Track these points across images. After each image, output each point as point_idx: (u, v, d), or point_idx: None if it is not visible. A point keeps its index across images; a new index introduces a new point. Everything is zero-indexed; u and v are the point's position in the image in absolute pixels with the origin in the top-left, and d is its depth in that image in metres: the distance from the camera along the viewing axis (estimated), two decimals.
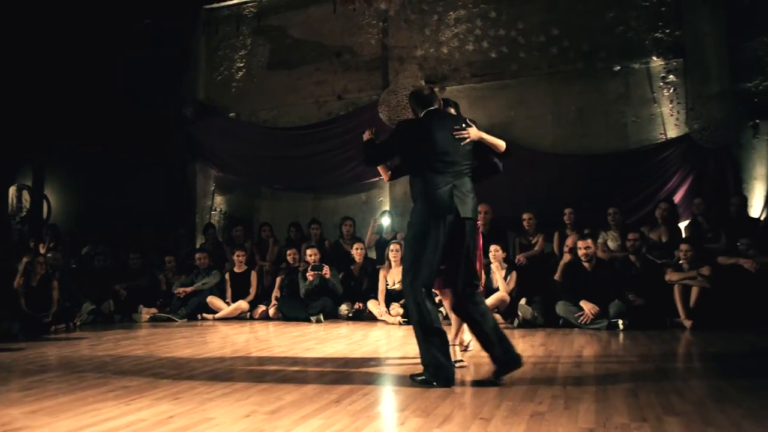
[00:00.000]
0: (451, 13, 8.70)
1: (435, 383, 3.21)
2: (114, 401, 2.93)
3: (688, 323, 5.67)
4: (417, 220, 3.48)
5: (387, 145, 3.68)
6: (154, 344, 5.13)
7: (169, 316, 7.29)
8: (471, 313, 3.48)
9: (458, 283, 3.51)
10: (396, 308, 6.60)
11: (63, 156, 10.03)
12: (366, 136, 3.80)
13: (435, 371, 3.25)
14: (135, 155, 9.49)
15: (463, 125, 3.58)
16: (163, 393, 3.10)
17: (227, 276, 7.81)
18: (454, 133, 3.53)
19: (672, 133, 7.64)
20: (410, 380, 3.35)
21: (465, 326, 3.93)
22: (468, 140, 3.55)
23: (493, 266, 6.53)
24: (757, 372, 3.59)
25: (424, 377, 3.29)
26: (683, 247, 5.98)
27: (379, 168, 3.99)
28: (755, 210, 7.12)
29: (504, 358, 3.33)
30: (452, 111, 3.92)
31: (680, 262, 5.99)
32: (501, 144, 3.76)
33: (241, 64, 9.93)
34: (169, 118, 9.59)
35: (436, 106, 3.66)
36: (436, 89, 8.68)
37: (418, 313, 3.33)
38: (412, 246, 3.46)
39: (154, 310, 7.48)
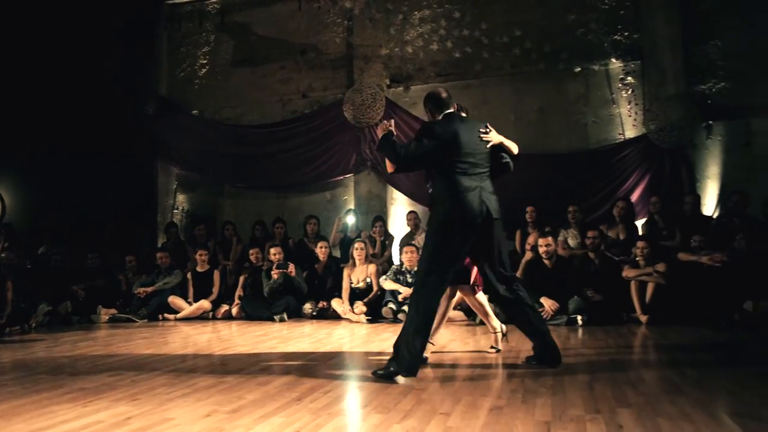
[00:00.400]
0: (416, 12, 8.76)
1: (398, 371, 3.32)
2: (70, 403, 2.88)
3: (643, 318, 5.83)
4: (441, 219, 3.58)
5: (421, 146, 3.59)
6: (114, 345, 5.04)
7: (129, 316, 7.16)
8: (516, 310, 3.72)
9: (493, 283, 3.67)
10: (360, 306, 6.61)
11: (18, 153, 9.74)
12: (381, 130, 3.76)
13: (405, 360, 3.35)
14: (94, 152, 9.26)
15: (486, 128, 3.72)
16: (121, 394, 3.06)
17: (189, 275, 7.71)
18: (481, 135, 3.66)
19: (630, 133, 7.84)
20: (372, 376, 3.41)
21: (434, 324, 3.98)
22: (491, 143, 3.70)
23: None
24: (706, 364, 3.71)
25: (384, 372, 3.37)
26: (640, 244, 6.15)
27: (388, 160, 3.85)
28: (708, 208, 7.36)
29: (542, 352, 3.65)
30: (464, 115, 4.01)
31: (637, 259, 6.15)
32: (515, 147, 3.90)
33: (205, 61, 9.82)
34: (129, 115, 9.41)
35: (452, 110, 3.76)
36: (400, 88, 8.75)
37: (417, 309, 3.47)
38: (434, 245, 3.54)
39: (113, 311, 7.34)
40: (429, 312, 3.51)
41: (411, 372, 3.35)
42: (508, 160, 3.88)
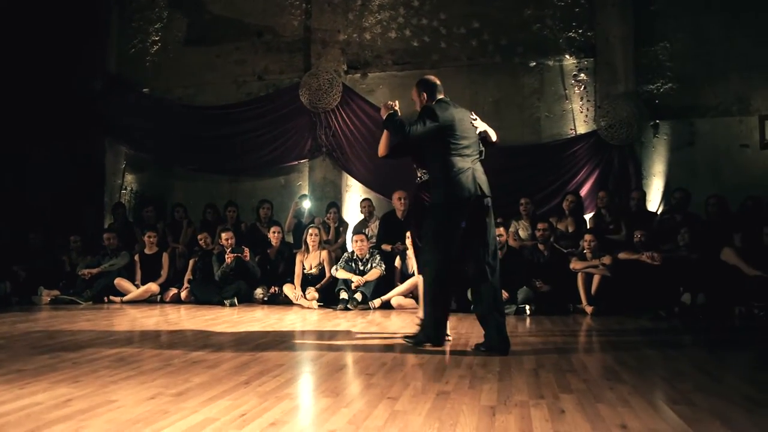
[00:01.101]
0: None
1: (426, 341, 3.86)
2: (6, 385, 2.77)
3: (589, 309, 6.00)
4: (441, 201, 3.81)
5: (426, 127, 3.76)
6: (55, 327, 4.88)
7: (73, 298, 6.95)
8: (482, 291, 3.84)
9: (477, 260, 3.80)
10: (312, 292, 6.60)
11: None
12: (386, 109, 3.95)
13: (429, 330, 3.87)
14: (37, 127, 8.89)
15: (474, 116, 4.00)
16: (62, 376, 2.97)
17: (137, 257, 7.52)
18: (472, 121, 3.94)
19: (581, 129, 8.02)
20: (404, 340, 3.98)
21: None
22: (478, 130, 3.96)
23: (409, 252, 6.64)
24: (645, 354, 3.85)
25: (414, 340, 3.91)
26: (587, 237, 6.32)
27: (383, 140, 4.10)
28: (653, 204, 7.62)
29: (493, 340, 3.77)
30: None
31: (584, 251, 6.32)
32: (494, 135, 4.13)
33: (157, 38, 9.53)
34: (76, 91, 9.06)
35: (443, 96, 3.99)
36: (357, 75, 8.71)
37: (431, 287, 3.83)
38: (436, 224, 3.81)
39: (56, 292, 7.10)
40: (438, 284, 3.83)
41: (437, 341, 3.85)
42: (482, 148, 4.07)
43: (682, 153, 7.70)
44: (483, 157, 4.06)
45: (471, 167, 3.81)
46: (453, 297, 4.73)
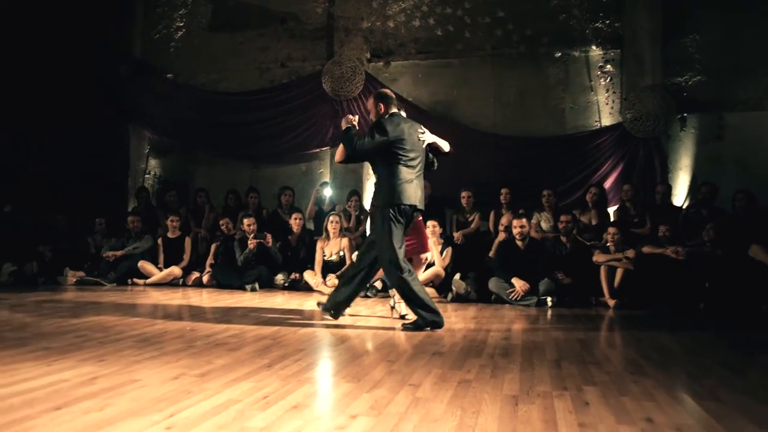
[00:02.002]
0: None
1: (425, 326, 4.10)
2: (34, 362, 2.82)
3: (611, 302, 5.94)
4: (383, 205, 4.18)
5: (374, 141, 4.15)
6: (80, 307, 4.96)
7: (98, 279, 7.05)
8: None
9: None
10: (332, 279, 6.61)
11: None
12: (345, 122, 4.30)
13: (424, 319, 4.12)
14: (64, 111, 9.00)
15: (422, 130, 4.34)
16: (87, 355, 3.01)
17: (160, 241, 7.60)
18: (419, 135, 4.29)
19: (606, 121, 7.91)
20: (402, 327, 4.15)
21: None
22: (426, 143, 4.33)
23: (430, 241, 6.63)
24: (669, 348, 3.80)
25: (412, 325, 4.15)
26: (611, 230, 6.24)
27: (339, 149, 4.46)
28: (678, 199, 7.50)
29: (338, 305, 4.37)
30: (403, 114, 4.46)
31: (608, 244, 6.25)
32: (446, 146, 4.49)
33: (181, 24, 9.57)
34: (102, 76, 9.15)
35: (397, 109, 4.35)
36: (380, 63, 8.67)
37: (398, 282, 4.18)
38: (381, 229, 4.18)
39: (81, 274, 7.21)
40: (403, 282, 4.14)
41: (436, 325, 4.11)
42: (433, 159, 4.50)
43: (710, 147, 7.56)
44: (435, 168, 4.55)
45: (415, 178, 4.21)
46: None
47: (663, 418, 2.19)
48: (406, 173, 4.16)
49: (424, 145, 4.33)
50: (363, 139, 4.16)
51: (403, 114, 4.42)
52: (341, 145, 4.42)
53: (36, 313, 4.52)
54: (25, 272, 6.96)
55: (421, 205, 4.26)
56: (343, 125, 4.30)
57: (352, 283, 4.42)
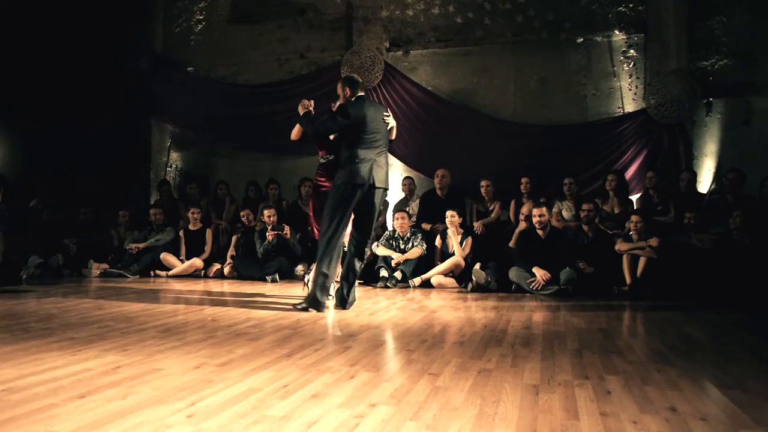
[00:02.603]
0: None
1: (310, 308, 4.40)
2: (59, 352, 2.87)
3: (634, 292, 5.86)
4: (339, 183, 4.43)
5: (336, 123, 4.49)
6: (104, 299, 5.03)
7: (121, 271, 7.15)
8: (352, 262, 4.66)
9: (359, 239, 4.63)
10: None
11: (9, 105, 9.56)
12: (302, 107, 4.71)
13: (312, 302, 4.42)
14: (88, 106, 9.12)
15: (388, 113, 4.67)
16: (111, 345, 3.05)
17: (182, 233, 7.68)
18: (385, 118, 4.59)
19: (629, 107, 7.78)
20: (293, 308, 4.47)
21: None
22: (390, 125, 4.65)
23: (450, 231, 6.61)
24: (694, 337, 3.74)
25: (302, 305, 4.45)
26: (634, 218, 6.16)
27: (296, 129, 4.93)
28: (704, 186, 7.36)
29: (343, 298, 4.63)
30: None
31: (630, 233, 6.17)
32: (394, 134, 4.81)
33: (201, 17, 9.61)
34: (123, 70, 9.24)
35: (362, 93, 4.61)
36: (400, 53, 8.62)
37: (323, 257, 4.43)
38: (332, 204, 4.43)
39: (105, 266, 7.33)
40: (327, 253, 4.43)
41: (317, 305, 4.41)
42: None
43: (737, 132, 7.39)
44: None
45: (373, 159, 4.45)
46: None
47: (687, 407, 2.16)
48: (365, 154, 4.42)
49: (388, 128, 4.64)
50: (326, 121, 4.55)
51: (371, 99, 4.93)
52: (297, 126, 4.89)
53: (61, 304, 4.60)
54: (50, 264, 7.09)
55: (381, 185, 4.50)
56: (300, 110, 4.72)
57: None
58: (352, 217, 4.58)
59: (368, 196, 4.46)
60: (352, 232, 4.69)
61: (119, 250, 7.64)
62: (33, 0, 8.89)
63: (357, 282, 6.46)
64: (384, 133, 4.59)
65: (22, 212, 8.16)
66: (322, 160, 4.94)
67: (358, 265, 4.70)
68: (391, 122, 4.69)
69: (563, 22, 7.99)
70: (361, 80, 4.75)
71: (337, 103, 4.74)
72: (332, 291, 4.79)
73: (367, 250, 4.81)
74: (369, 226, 4.63)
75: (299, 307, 4.46)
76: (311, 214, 5.21)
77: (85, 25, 9.16)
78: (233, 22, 9.41)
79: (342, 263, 4.75)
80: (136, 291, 5.70)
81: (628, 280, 5.97)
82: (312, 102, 4.78)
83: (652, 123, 7.45)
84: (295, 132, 4.95)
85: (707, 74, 7.52)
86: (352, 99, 4.54)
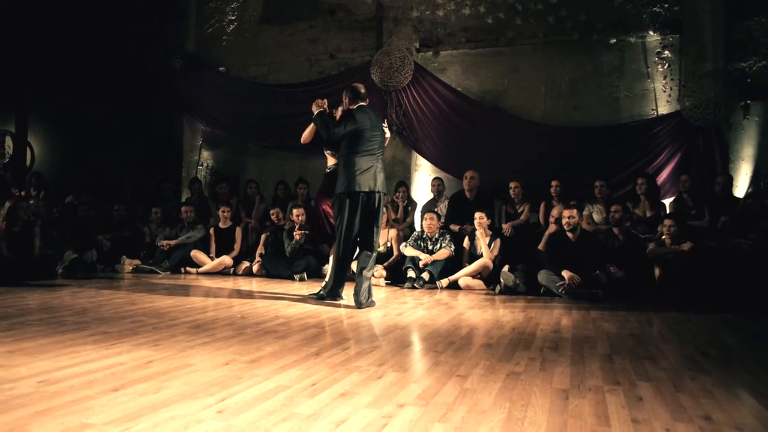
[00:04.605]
0: None
1: (326, 298, 4.84)
2: (93, 345, 2.93)
3: (666, 297, 5.74)
4: (340, 192, 4.66)
5: (346, 129, 4.61)
6: (136, 294, 5.12)
7: (153, 268, 7.27)
8: (363, 257, 4.78)
9: (368, 238, 4.74)
10: (380, 270, 6.63)
11: (47, 104, 9.82)
12: (317, 107, 4.79)
13: (330, 292, 4.88)
14: (121, 105, 9.31)
15: (385, 124, 4.92)
16: (143, 340, 3.11)
17: (212, 231, 7.78)
18: (384, 126, 4.86)
19: (663, 109, 7.64)
20: (308, 298, 4.85)
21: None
22: (386, 136, 4.89)
23: (478, 233, 6.58)
24: (728, 344, 3.66)
25: (316, 295, 4.91)
26: (667, 222, 6.04)
27: (309, 131, 5.06)
28: (740, 190, 7.18)
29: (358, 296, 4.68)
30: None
31: (663, 237, 6.05)
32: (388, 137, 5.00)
33: (233, 17, 9.72)
34: (157, 69, 9.40)
35: (364, 103, 4.80)
36: (429, 53, 8.59)
37: (338, 260, 4.79)
38: (339, 212, 4.68)
39: (137, 262, 7.46)
40: (342, 255, 4.73)
41: (334, 296, 4.86)
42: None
43: None
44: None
45: (374, 165, 4.66)
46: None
47: (722, 416, 2.11)
48: (362, 162, 4.62)
49: (385, 136, 4.88)
50: (339, 127, 4.64)
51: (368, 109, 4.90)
52: (311, 127, 4.98)
53: (95, 299, 4.70)
54: (85, 260, 7.23)
55: (379, 188, 4.68)
56: (314, 109, 4.78)
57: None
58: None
59: (370, 200, 4.68)
60: (360, 233, 4.79)
61: (151, 246, 7.76)
62: (69, 1, 9.10)
63: (385, 282, 6.55)
64: (381, 141, 4.80)
65: (59, 208, 8.36)
66: (327, 170, 5.10)
67: (369, 262, 4.79)
68: (388, 132, 4.96)
69: (596, 23, 7.88)
70: (364, 91, 4.87)
71: (339, 109, 4.90)
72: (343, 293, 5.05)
73: (377, 247, 4.94)
74: (377, 227, 4.81)
75: (314, 296, 4.90)
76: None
77: (120, 25, 9.36)
78: (264, 23, 9.50)
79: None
80: (167, 287, 5.79)
81: (660, 285, 5.85)
82: (326, 101, 4.88)
83: (687, 125, 7.30)
84: (307, 134, 5.10)
85: (745, 76, 7.34)
86: (354, 107, 4.73)
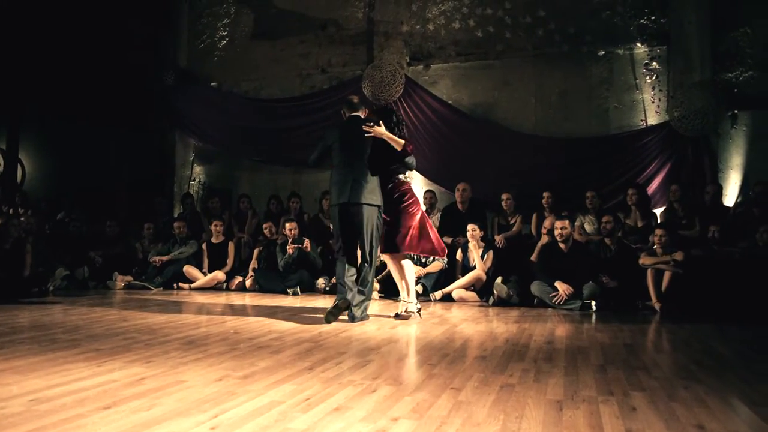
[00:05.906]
0: None
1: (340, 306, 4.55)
2: (85, 363, 2.91)
3: (658, 306, 5.77)
4: (331, 203, 4.80)
5: (317, 151, 4.84)
6: (128, 311, 5.09)
7: (145, 284, 7.24)
8: (362, 270, 4.69)
9: (362, 250, 4.64)
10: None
11: (38, 120, 9.80)
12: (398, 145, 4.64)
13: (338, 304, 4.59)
14: (113, 121, 9.31)
15: (371, 124, 4.60)
16: (135, 356, 3.09)
17: (204, 246, 7.76)
18: (365, 128, 4.55)
19: (652, 120, 7.71)
20: (327, 317, 4.46)
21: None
22: (369, 135, 4.57)
23: (471, 245, 6.59)
24: (721, 354, 3.68)
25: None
26: (658, 232, 6.07)
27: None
28: (729, 199, 7.25)
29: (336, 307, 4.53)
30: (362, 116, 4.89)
31: (654, 247, 6.09)
32: (398, 144, 4.62)
33: (224, 33, 9.77)
34: (148, 85, 9.42)
35: (357, 113, 4.82)
36: (420, 67, 8.65)
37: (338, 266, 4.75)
38: (334, 223, 4.74)
39: (129, 278, 7.43)
40: (338, 271, 4.71)
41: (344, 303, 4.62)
42: (397, 166, 4.77)
43: (763, 144, 7.28)
44: (408, 169, 5.03)
45: (350, 178, 4.56)
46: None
47: (716, 425, 2.11)
48: (336, 174, 4.67)
49: (366, 141, 4.62)
50: (313, 153, 4.87)
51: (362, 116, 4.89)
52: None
53: (87, 316, 4.67)
54: (76, 277, 7.20)
55: (357, 200, 4.51)
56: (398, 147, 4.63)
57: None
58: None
59: (348, 211, 4.59)
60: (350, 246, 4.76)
61: (143, 262, 7.74)
62: (60, 15, 9.11)
63: (378, 295, 6.53)
64: (361, 150, 4.61)
65: (50, 225, 8.32)
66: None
67: (352, 275, 4.70)
68: (378, 130, 4.56)
69: (584, 35, 7.97)
70: (357, 101, 4.93)
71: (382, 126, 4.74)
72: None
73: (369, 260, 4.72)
74: (363, 240, 4.61)
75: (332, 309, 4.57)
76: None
77: (111, 40, 9.38)
78: (256, 38, 9.56)
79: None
80: (160, 303, 5.77)
81: (652, 294, 5.88)
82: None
83: (676, 136, 7.38)
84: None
85: (732, 86, 7.44)
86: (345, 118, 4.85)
